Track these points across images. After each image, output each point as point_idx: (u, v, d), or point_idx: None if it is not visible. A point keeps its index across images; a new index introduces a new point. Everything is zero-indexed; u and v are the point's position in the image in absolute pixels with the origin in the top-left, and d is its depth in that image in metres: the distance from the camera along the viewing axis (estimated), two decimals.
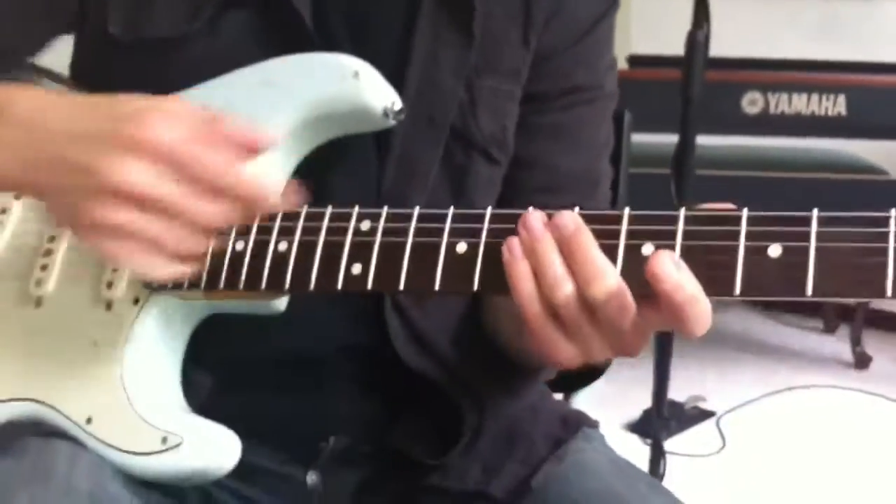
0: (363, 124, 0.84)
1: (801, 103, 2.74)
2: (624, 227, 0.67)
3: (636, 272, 0.65)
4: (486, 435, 0.92)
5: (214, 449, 0.79)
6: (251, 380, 0.89)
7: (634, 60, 3.03)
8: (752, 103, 2.73)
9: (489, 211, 0.71)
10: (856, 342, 3.43)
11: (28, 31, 0.96)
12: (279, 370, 0.89)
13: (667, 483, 2.17)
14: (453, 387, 0.90)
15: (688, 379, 3.07)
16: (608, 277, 0.65)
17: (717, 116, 2.60)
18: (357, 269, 0.74)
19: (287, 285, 0.77)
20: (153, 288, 0.82)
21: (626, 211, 0.67)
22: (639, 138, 2.31)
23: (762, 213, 0.64)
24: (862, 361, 3.39)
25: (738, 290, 0.63)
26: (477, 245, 0.70)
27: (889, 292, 0.60)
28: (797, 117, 2.73)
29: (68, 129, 0.72)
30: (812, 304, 3.77)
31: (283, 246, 0.77)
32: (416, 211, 0.73)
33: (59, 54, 0.99)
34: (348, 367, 0.90)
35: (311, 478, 0.91)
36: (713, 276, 0.64)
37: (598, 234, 0.66)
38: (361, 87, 0.82)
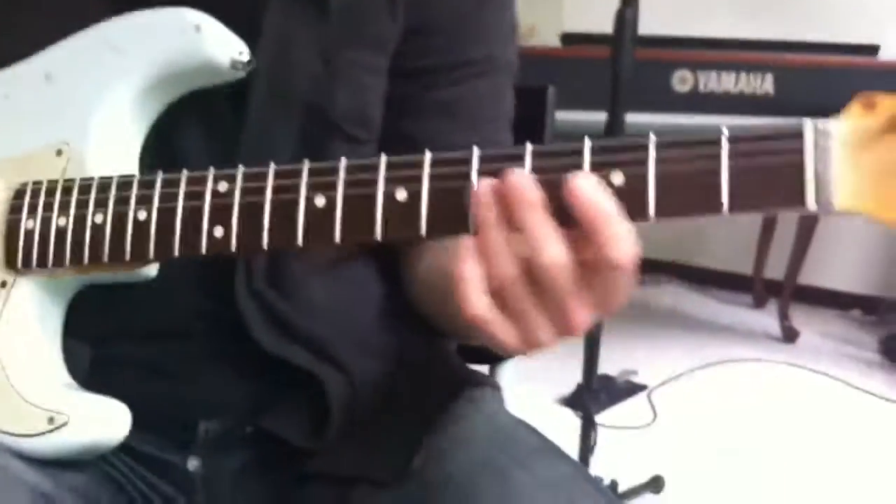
0: (212, 78, 0.82)
1: (729, 82, 2.78)
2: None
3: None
4: (363, 412, 0.87)
5: (102, 422, 0.79)
6: (127, 356, 0.87)
7: (567, 38, 3.05)
8: (682, 81, 2.77)
9: (343, 162, 0.70)
10: (783, 317, 3.51)
11: None
12: (149, 347, 0.87)
13: (598, 455, 2.23)
14: (320, 368, 0.86)
15: (620, 353, 3.12)
16: (558, 244, 0.63)
17: (647, 94, 2.62)
18: (219, 231, 0.73)
19: (151, 254, 0.76)
20: (17, 269, 0.81)
21: (476, 150, 0.67)
22: (572, 115, 2.34)
23: (603, 142, 0.65)
24: (789, 335, 3.48)
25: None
26: (334, 198, 0.70)
27: (725, 208, 0.62)
28: (726, 95, 2.77)
29: None
30: (741, 279, 3.86)
31: (142, 215, 0.76)
32: (272, 168, 0.72)
33: None
34: (213, 347, 0.87)
35: (193, 463, 0.88)
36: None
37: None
38: (205, 41, 0.80)
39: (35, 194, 0.81)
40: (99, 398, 0.80)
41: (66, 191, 0.80)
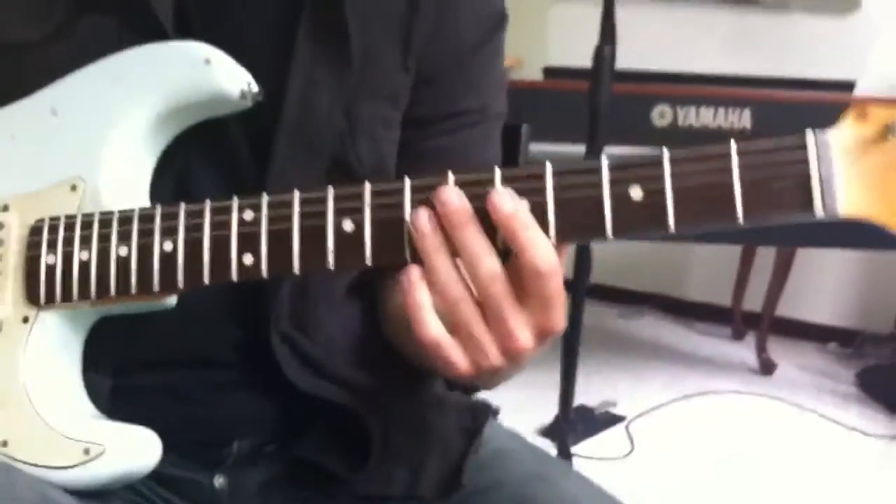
0: (221, 109, 0.83)
1: (708, 116, 2.82)
2: (497, 184, 0.70)
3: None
4: (397, 435, 0.92)
5: (136, 450, 0.79)
6: (149, 384, 0.88)
7: (550, 72, 3.08)
8: (661, 116, 2.80)
9: (368, 187, 0.73)
10: (761, 349, 3.54)
11: None
12: (170, 375, 0.89)
13: None
14: (353, 402, 0.90)
15: (600, 384, 3.14)
16: (491, 256, 0.69)
17: (627, 128, 2.66)
18: (249, 259, 0.75)
19: (181, 284, 0.77)
20: (40, 304, 0.81)
21: (497, 170, 0.70)
22: (553, 147, 2.36)
23: (620, 159, 0.68)
24: (767, 368, 3.49)
25: (609, 232, 0.68)
26: (362, 222, 0.72)
27: (740, 217, 0.66)
28: (704, 130, 2.80)
29: None
30: (721, 311, 3.88)
31: (168, 246, 0.77)
32: (297, 195, 0.74)
33: None
34: (239, 372, 0.90)
35: (219, 481, 0.91)
36: (585, 223, 0.69)
37: (474, 198, 0.70)
38: (215, 74, 0.81)
39: (53, 230, 0.81)
40: (130, 427, 0.80)
41: (86, 225, 0.80)
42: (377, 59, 0.89)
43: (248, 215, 0.75)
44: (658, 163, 0.67)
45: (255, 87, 0.81)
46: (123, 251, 0.78)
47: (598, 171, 0.68)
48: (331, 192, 0.73)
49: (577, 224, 0.69)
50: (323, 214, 0.73)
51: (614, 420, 2.99)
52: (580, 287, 2.19)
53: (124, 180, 0.83)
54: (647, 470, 2.69)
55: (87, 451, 0.78)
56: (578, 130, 2.20)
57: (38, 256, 0.81)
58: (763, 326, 3.54)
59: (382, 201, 0.72)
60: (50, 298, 0.81)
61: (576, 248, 2.17)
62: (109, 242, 0.79)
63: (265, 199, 0.75)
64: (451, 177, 0.71)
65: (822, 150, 0.65)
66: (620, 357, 3.44)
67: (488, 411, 0.98)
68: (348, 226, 0.72)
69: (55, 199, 0.83)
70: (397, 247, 0.72)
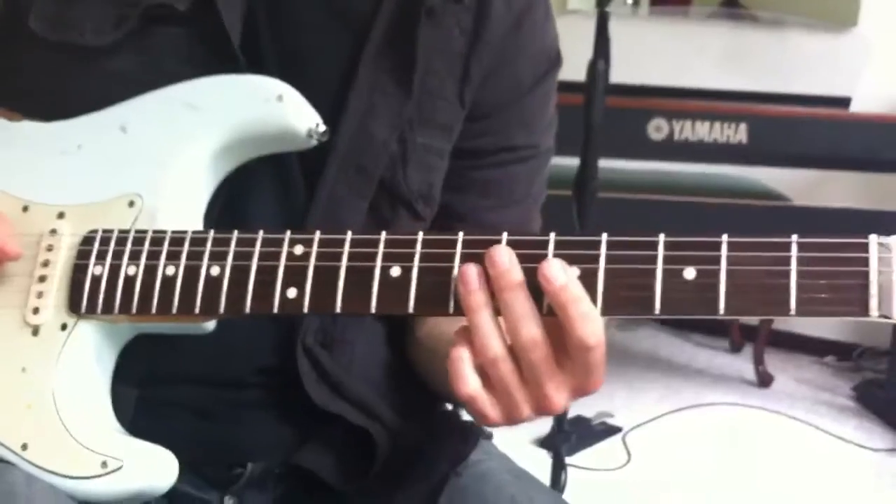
0: (287, 145, 0.84)
1: (703, 130, 2.84)
2: (550, 251, 0.71)
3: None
4: (399, 454, 0.93)
5: (153, 470, 0.80)
6: (172, 401, 0.90)
7: None
8: (657, 129, 2.82)
9: (420, 236, 0.74)
10: (759, 362, 3.54)
11: None
12: (198, 393, 0.90)
13: (570, 496, 2.25)
14: (366, 423, 0.91)
15: (597, 395, 3.08)
16: (534, 321, 0.70)
17: (623, 141, 2.68)
18: (293, 293, 0.76)
19: (222, 310, 0.78)
20: (80, 313, 0.82)
21: (552, 236, 0.71)
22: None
23: (677, 238, 0.69)
24: (764, 380, 3.50)
25: (657, 310, 0.68)
26: (410, 269, 0.73)
27: (793, 310, 0.66)
28: (700, 144, 2.83)
29: None
30: (718, 324, 3.89)
31: (215, 270, 0.78)
32: (349, 236, 0.75)
33: None
34: (264, 396, 0.92)
35: (229, 502, 0.93)
36: (634, 297, 0.69)
37: (524, 259, 0.70)
38: (285, 111, 0.82)
39: (105, 242, 0.82)
40: (150, 446, 0.80)
41: (138, 241, 0.81)
42: (435, 90, 0.91)
43: (299, 250, 0.76)
44: (716, 246, 0.67)
45: (321, 127, 0.83)
46: (170, 271, 0.79)
47: (654, 246, 0.68)
48: (383, 236, 0.74)
49: (625, 299, 0.69)
50: (373, 257, 0.74)
51: (611, 431, 3.00)
52: None
53: (181, 203, 0.84)
54: (644, 481, 2.71)
55: (104, 465, 0.78)
56: (574, 143, 2.23)
57: (86, 266, 0.82)
58: (760, 339, 3.55)
59: (433, 251, 0.73)
60: (91, 309, 0.81)
61: None
62: (158, 261, 0.80)
63: (317, 235, 0.76)
64: (504, 236, 0.71)
65: (883, 253, 0.65)
66: (618, 368, 3.44)
67: (479, 435, 0.99)
68: (395, 271, 0.73)
69: (111, 213, 0.84)
70: (442, 299, 0.72)
